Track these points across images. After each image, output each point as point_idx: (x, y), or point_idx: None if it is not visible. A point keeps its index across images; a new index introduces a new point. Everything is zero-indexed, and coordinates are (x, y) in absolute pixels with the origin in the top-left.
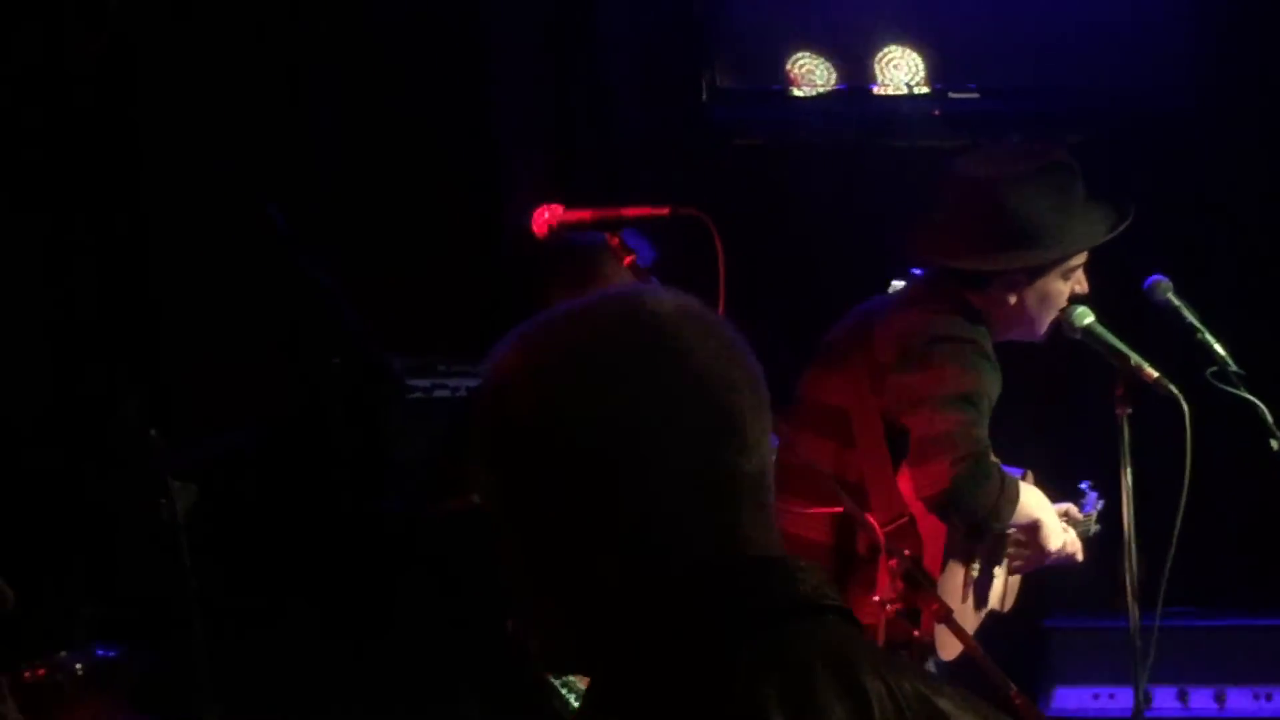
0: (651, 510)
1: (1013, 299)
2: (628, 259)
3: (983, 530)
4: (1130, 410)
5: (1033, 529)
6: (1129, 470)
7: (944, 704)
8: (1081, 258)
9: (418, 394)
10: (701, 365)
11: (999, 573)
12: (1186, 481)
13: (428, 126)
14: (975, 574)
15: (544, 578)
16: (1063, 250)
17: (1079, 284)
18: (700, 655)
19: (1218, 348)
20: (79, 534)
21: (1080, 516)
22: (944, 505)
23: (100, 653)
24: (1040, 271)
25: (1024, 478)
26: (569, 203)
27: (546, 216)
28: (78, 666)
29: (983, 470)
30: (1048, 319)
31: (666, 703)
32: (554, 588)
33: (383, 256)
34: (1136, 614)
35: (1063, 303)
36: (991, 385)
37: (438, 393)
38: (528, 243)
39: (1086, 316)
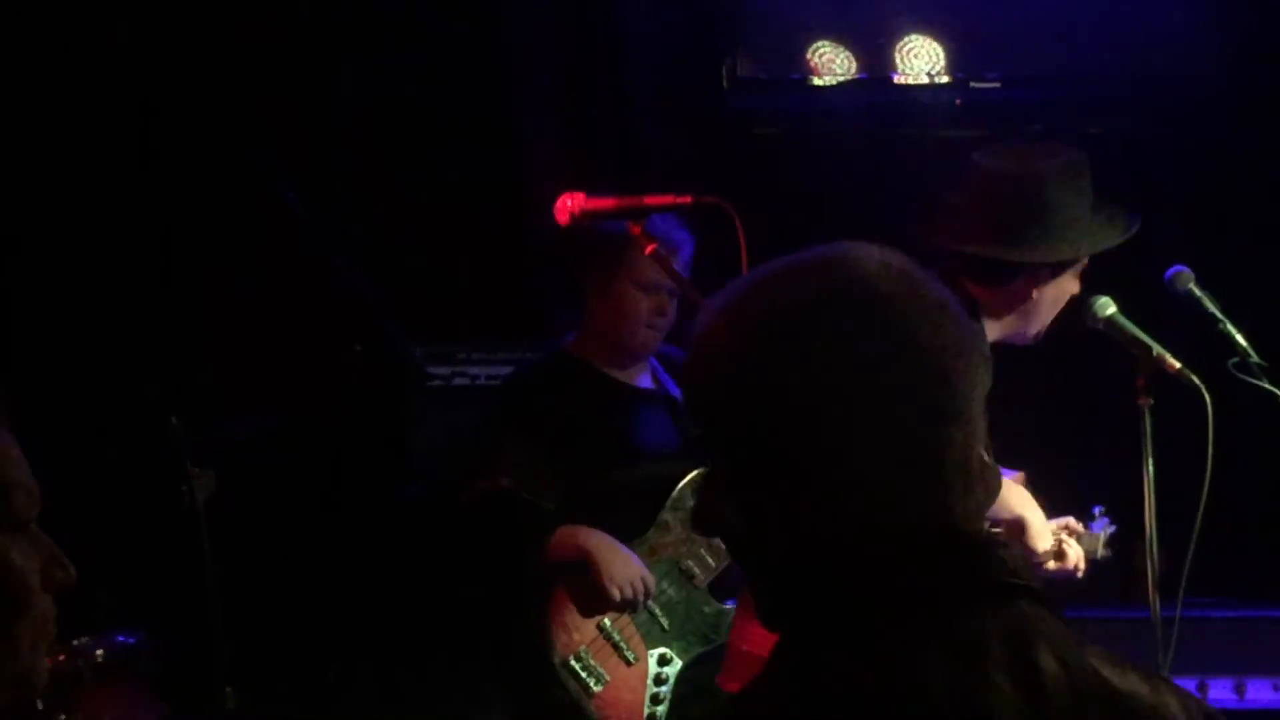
0: (854, 473)
1: (1035, 294)
2: (649, 247)
3: None
4: (1152, 401)
5: (1017, 526)
6: (1150, 461)
7: (1129, 683)
8: (1086, 259)
9: (437, 381)
10: (910, 327)
11: None
12: (1208, 472)
13: (449, 114)
14: None
15: (751, 533)
16: (1091, 246)
17: (1077, 285)
18: (873, 625)
19: (1239, 339)
20: (99, 520)
21: (1082, 531)
22: None
23: (120, 639)
24: (1064, 267)
25: (1017, 479)
26: (591, 191)
27: (570, 205)
28: (98, 653)
29: None
30: (1050, 319)
31: (834, 670)
32: (757, 544)
33: (403, 243)
34: (1157, 605)
35: (1063, 303)
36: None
37: (457, 380)
38: (555, 230)
39: (1109, 307)
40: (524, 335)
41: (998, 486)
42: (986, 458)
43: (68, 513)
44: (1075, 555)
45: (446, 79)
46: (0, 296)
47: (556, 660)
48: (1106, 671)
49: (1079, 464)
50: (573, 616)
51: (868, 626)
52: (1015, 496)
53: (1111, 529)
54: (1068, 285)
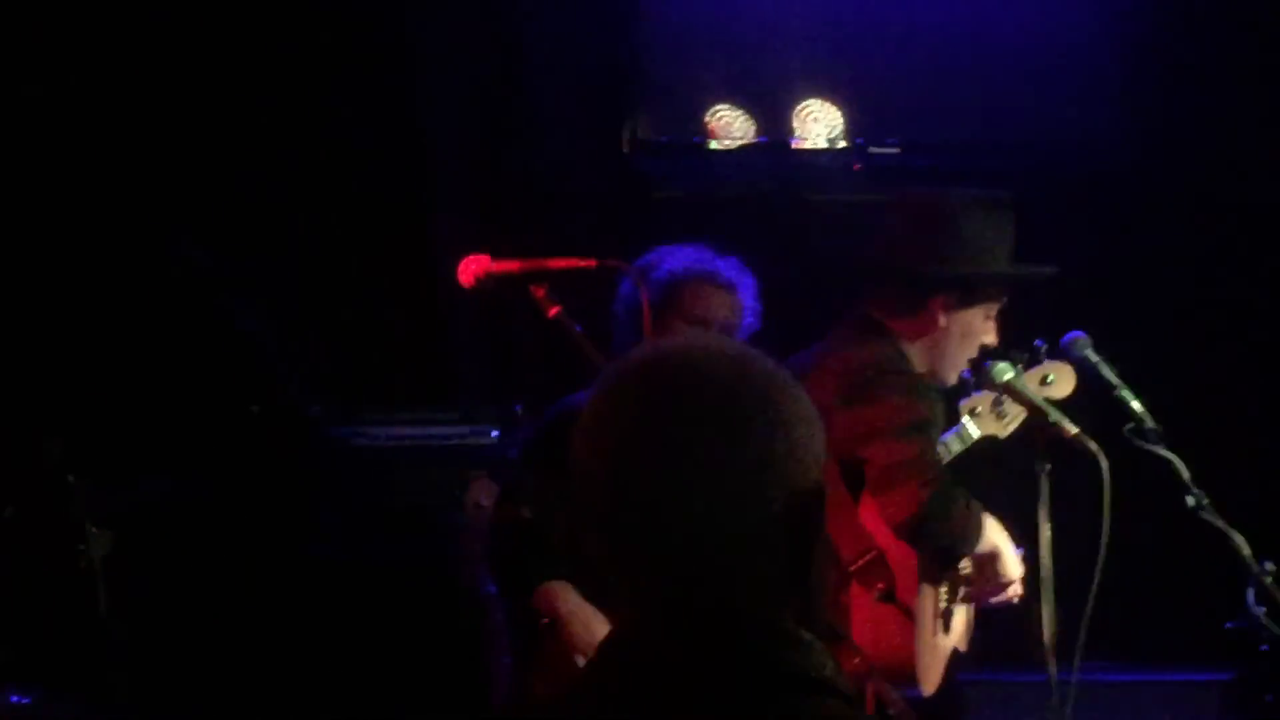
0: (674, 555)
1: (942, 321)
2: (553, 310)
3: (952, 554)
4: (1049, 466)
5: (993, 556)
6: (1048, 524)
7: None
8: (999, 303)
9: (338, 442)
10: (748, 430)
11: (960, 607)
12: (1105, 536)
13: (357, 177)
14: (944, 603)
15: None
16: (999, 269)
17: (990, 334)
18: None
19: (1135, 405)
20: None
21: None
22: (916, 529)
23: (14, 699)
24: (973, 292)
25: None
26: (494, 253)
27: (474, 267)
28: None
29: (949, 492)
30: (962, 359)
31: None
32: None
33: (308, 305)
34: (1054, 668)
35: (975, 349)
36: (937, 413)
37: (357, 440)
38: (458, 292)
39: (1007, 372)
40: (429, 397)
41: (981, 518)
42: (969, 501)
43: None
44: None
45: (355, 142)
46: None
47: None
48: None
49: None
50: (552, 669)
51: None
52: (992, 526)
53: (1020, 550)
54: (976, 322)
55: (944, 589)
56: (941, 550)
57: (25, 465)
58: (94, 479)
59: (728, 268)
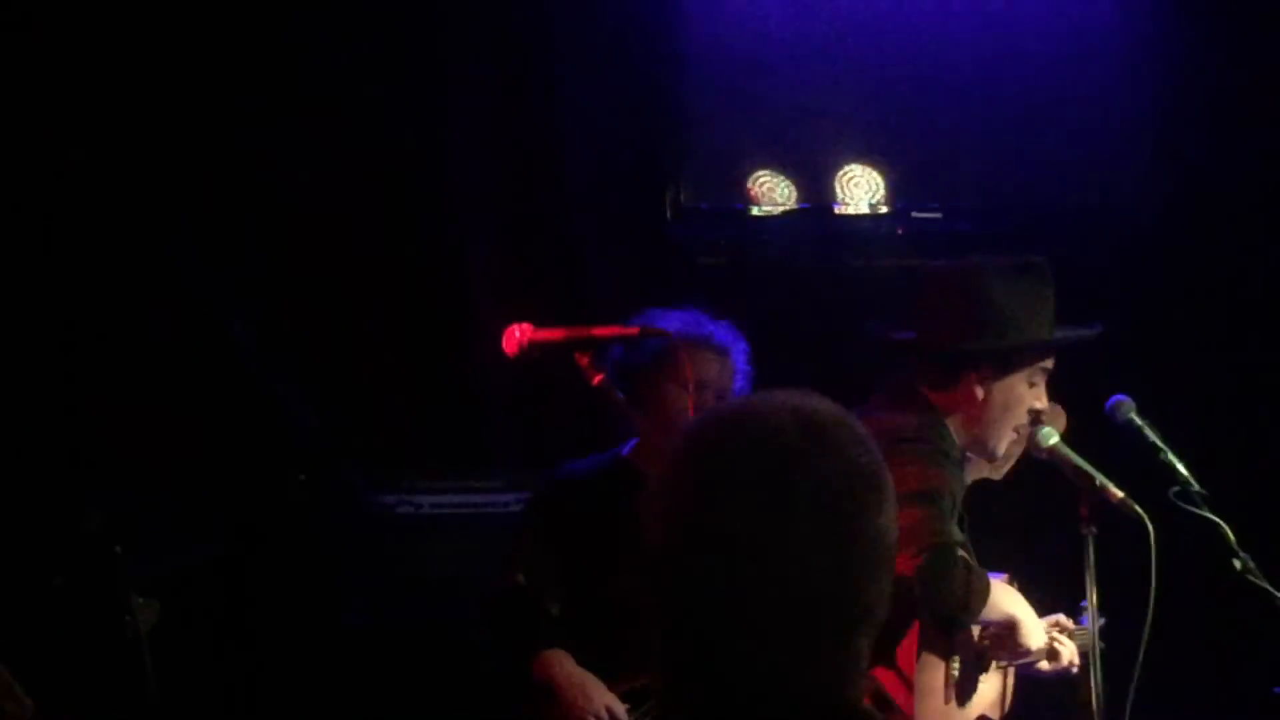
0: (742, 634)
1: (980, 393)
2: (597, 378)
3: (953, 624)
4: (1095, 530)
5: (1009, 626)
6: (1094, 589)
7: None
8: (1045, 366)
9: (381, 510)
10: (809, 488)
11: (990, 676)
12: (1152, 601)
13: (394, 244)
14: (955, 673)
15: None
16: (1034, 337)
17: (1039, 399)
18: None
19: (1180, 468)
20: (40, 649)
21: (1073, 627)
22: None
23: None
24: (1009, 363)
25: (1003, 580)
26: (537, 321)
27: (518, 335)
28: None
29: (946, 562)
30: (1007, 430)
31: None
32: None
33: (351, 375)
34: None
35: (1023, 416)
36: (954, 483)
37: (401, 509)
38: (502, 360)
39: (1052, 436)
40: (468, 464)
41: (986, 588)
42: (972, 562)
43: (8, 641)
44: (1069, 653)
45: (390, 208)
46: None
47: None
48: None
49: (1023, 593)
50: None
51: None
52: (1005, 597)
53: (1102, 621)
54: (1018, 389)
55: (955, 658)
56: (940, 620)
57: (71, 535)
58: (139, 549)
59: (721, 332)
